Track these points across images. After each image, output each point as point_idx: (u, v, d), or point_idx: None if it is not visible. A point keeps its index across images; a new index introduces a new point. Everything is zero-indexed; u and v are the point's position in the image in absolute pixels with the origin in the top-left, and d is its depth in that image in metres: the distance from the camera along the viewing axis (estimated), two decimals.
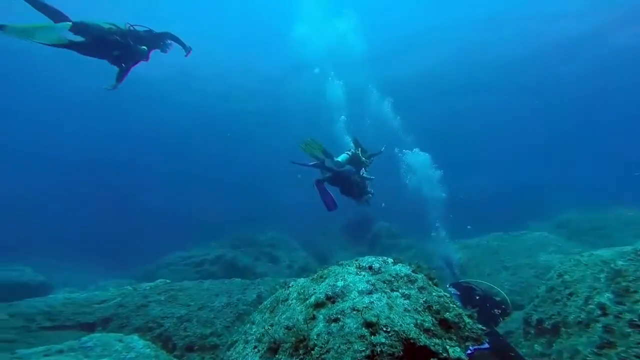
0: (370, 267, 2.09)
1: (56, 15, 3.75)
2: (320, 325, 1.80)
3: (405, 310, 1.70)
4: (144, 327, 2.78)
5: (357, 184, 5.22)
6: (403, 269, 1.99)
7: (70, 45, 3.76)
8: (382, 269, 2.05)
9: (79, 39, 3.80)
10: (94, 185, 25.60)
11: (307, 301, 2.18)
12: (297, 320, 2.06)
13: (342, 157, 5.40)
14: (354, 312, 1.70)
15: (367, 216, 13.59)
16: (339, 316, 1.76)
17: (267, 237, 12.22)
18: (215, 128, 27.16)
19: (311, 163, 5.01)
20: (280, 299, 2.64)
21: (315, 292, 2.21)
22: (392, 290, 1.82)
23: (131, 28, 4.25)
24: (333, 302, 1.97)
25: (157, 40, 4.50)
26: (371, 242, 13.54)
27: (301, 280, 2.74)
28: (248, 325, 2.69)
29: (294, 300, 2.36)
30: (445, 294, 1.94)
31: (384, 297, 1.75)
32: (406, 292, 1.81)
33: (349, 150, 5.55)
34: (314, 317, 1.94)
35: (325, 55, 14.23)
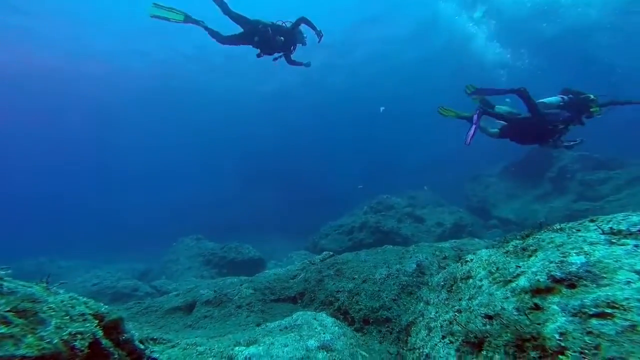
0: None
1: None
2: (560, 320, 1.19)
3: None
4: (326, 301, 3.10)
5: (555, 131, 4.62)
6: None
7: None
8: None
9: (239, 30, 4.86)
10: (267, 171, 29.44)
11: (513, 284, 1.52)
12: (503, 309, 1.48)
13: (551, 100, 4.85)
14: None
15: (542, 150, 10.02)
16: (603, 310, 1.03)
17: (405, 196, 11.34)
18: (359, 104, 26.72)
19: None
20: (459, 276, 2.09)
21: (523, 272, 1.51)
22: None
23: (274, 23, 4.95)
24: (571, 287, 1.22)
25: (294, 31, 4.98)
26: (556, 181, 9.71)
27: (484, 252, 2.07)
28: (422, 305, 2.36)
29: (485, 281, 1.76)
30: None
31: None
32: None
33: (565, 94, 4.90)
34: (537, 307, 1.30)
35: None
